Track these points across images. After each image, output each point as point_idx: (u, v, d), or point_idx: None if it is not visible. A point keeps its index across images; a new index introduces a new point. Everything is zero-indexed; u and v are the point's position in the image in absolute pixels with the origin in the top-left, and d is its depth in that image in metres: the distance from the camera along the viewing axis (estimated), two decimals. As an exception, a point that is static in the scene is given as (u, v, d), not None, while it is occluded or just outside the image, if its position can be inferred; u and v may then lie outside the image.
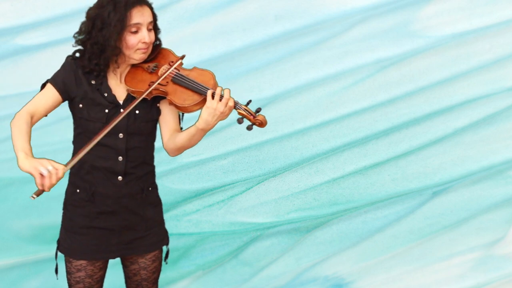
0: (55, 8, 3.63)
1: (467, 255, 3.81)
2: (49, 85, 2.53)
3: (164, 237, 2.78)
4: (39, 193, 2.29)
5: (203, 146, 3.71)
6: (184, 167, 3.77)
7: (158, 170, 3.67)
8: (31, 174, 2.30)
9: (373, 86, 3.74)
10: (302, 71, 3.73)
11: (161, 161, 3.48)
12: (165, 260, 2.81)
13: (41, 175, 2.28)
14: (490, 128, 3.77)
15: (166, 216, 3.74)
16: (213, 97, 2.45)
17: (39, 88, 2.56)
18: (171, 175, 3.76)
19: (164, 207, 3.73)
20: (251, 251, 3.83)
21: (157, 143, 2.71)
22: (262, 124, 2.52)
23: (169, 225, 3.77)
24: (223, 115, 2.47)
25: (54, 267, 2.78)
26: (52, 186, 2.29)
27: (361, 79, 3.73)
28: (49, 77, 2.56)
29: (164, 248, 2.79)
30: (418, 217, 3.80)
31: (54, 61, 2.62)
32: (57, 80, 2.53)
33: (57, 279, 2.82)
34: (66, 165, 2.34)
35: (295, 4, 3.69)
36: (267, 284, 3.82)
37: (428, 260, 3.82)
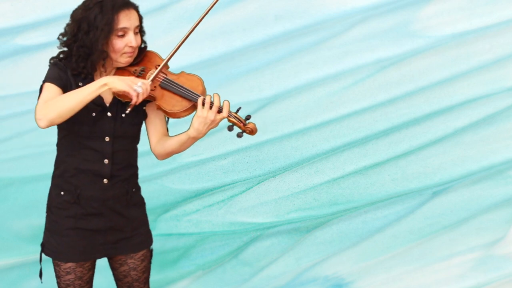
0: (55, 8, 3.62)
1: (467, 255, 3.81)
2: (49, 85, 2.46)
3: (149, 237, 2.77)
4: (132, 106, 2.45)
5: (203, 146, 3.71)
6: (184, 167, 3.77)
7: (158, 170, 3.69)
8: (126, 93, 2.41)
9: (373, 86, 3.74)
10: (302, 71, 3.73)
11: (161, 161, 3.47)
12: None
13: (136, 91, 2.40)
14: (490, 128, 3.76)
15: (166, 216, 3.76)
16: (203, 105, 2.46)
17: (38, 91, 2.50)
18: (171, 175, 3.76)
19: (164, 207, 3.76)
20: (251, 251, 3.83)
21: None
22: (252, 132, 2.52)
23: (169, 225, 3.79)
24: (214, 123, 2.48)
25: (39, 271, 2.76)
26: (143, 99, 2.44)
27: (361, 79, 3.73)
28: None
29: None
30: (418, 217, 3.80)
31: (54, 61, 2.60)
32: (55, 78, 2.47)
33: (42, 282, 2.80)
34: (152, 80, 2.49)
35: (295, 4, 3.69)
36: (267, 284, 3.82)
37: (428, 260, 3.82)
